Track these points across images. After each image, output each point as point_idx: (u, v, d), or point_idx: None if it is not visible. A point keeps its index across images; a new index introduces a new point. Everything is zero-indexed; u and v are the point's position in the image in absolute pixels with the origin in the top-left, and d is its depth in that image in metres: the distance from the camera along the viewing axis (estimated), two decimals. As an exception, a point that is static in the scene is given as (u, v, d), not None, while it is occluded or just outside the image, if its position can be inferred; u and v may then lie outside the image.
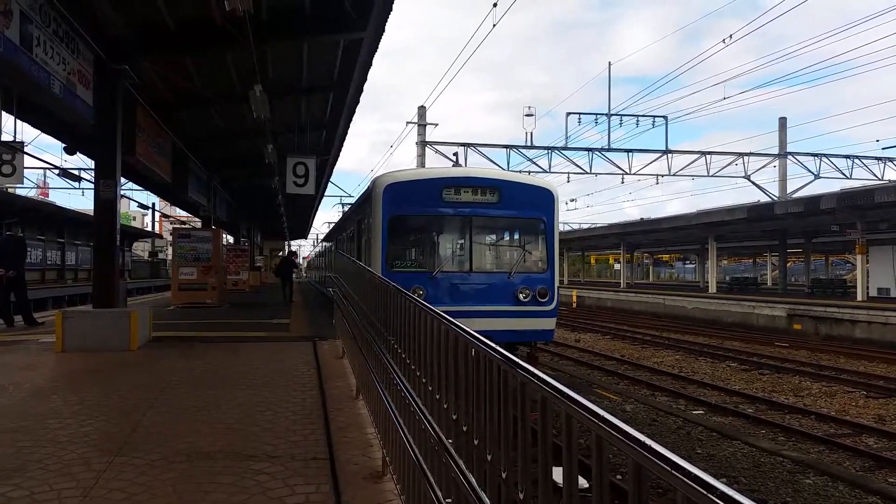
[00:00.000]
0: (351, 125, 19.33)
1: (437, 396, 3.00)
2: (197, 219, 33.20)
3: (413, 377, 3.58)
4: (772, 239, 40.42)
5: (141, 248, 62.85)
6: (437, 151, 33.34)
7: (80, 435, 5.46)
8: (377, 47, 12.35)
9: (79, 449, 5.09)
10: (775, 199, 35.04)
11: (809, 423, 10.95)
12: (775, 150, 36.54)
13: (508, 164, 33.38)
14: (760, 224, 32.33)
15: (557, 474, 1.71)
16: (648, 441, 1.20)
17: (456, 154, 29.72)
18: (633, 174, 35.20)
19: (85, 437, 5.40)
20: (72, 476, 4.50)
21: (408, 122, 33.88)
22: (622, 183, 37.22)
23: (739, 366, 16.57)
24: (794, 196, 34.42)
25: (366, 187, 12.89)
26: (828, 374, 15.23)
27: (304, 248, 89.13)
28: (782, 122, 36.88)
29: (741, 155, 35.78)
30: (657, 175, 36.09)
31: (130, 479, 4.46)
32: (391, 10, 10.63)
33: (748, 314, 26.69)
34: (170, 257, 35.84)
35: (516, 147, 33.86)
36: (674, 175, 35.64)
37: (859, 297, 26.80)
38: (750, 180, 36.35)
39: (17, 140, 13.76)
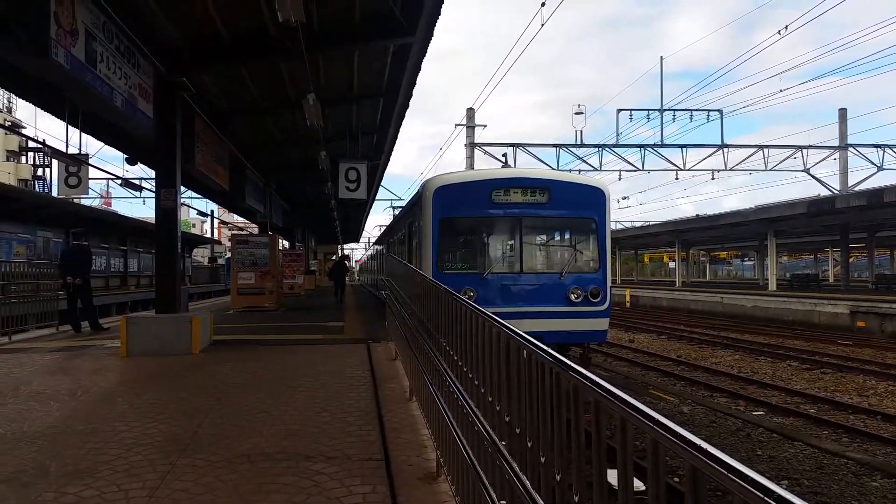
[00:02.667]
0: (400, 129, 19.50)
1: (490, 399, 3.02)
2: (254, 225, 33.95)
3: (465, 379, 3.60)
4: (833, 234, 39.20)
5: (200, 255, 64.49)
6: (485, 153, 33.34)
7: (145, 437, 5.66)
8: (426, 51, 12.44)
9: (144, 451, 5.27)
10: (836, 192, 33.91)
11: (875, 423, 10.57)
12: (835, 142, 35.39)
13: (558, 163, 33.17)
14: (821, 219, 31.38)
15: (612, 477, 1.71)
16: (704, 444, 1.20)
17: (505, 155, 29.62)
18: (688, 170, 34.55)
19: (150, 439, 5.59)
20: (138, 477, 4.66)
21: (456, 125, 34.01)
22: (676, 179, 36.48)
23: (801, 365, 16.09)
24: (855, 189, 33.25)
25: (416, 190, 12.98)
26: (894, 372, 14.66)
27: (356, 252, 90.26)
28: (842, 112, 35.68)
29: (800, 148, 34.74)
30: (712, 170, 35.26)
31: (194, 479, 4.60)
32: (440, 14, 10.70)
33: (809, 312, 25.90)
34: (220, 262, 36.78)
35: (566, 146, 33.60)
36: (730, 170, 34.82)
37: (929, 293, 25.76)
38: (809, 174, 35.27)
39: (82, 153, 14.31)
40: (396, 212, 32.50)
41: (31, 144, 49.15)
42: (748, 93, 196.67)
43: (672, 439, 1.31)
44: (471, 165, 32.53)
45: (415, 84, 14.59)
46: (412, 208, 13.06)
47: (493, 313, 3.09)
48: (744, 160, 34.96)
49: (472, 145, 33.36)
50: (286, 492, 4.36)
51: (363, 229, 61.43)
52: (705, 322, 28.14)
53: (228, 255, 35.69)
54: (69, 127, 12.92)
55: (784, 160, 34.84)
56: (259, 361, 9.94)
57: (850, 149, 35.04)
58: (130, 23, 9.60)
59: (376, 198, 36.17)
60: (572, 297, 10.66)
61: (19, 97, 13.93)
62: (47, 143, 17.59)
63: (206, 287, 44.85)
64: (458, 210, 10.88)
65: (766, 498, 1.02)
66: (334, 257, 51.72)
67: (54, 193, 18.16)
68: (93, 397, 7.40)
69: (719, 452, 1.16)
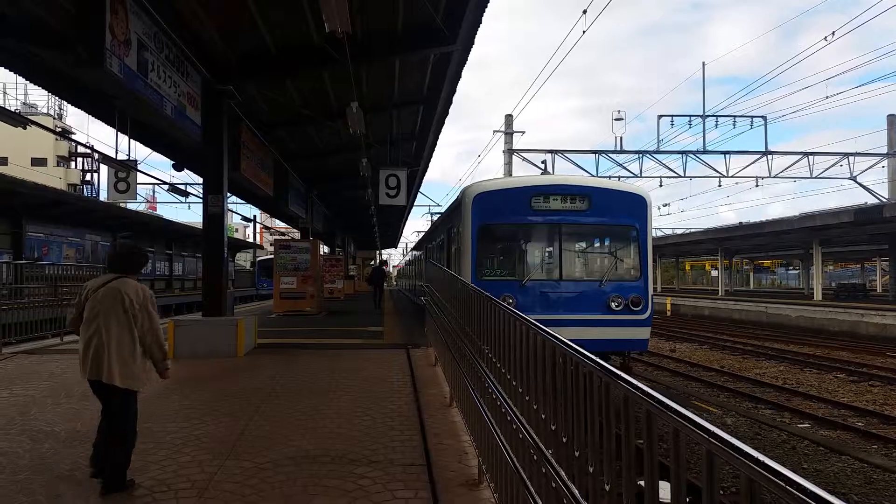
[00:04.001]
0: (440, 136, 19.61)
1: (535, 406, 3.04)
2: (295, 230, 34.40)
3: (509, 386, 3.63)
4: (881, 243, 38.11)
5: (243, 259, 65.53)
6: (524, 159, 33.26)
7: (192, 438, 5.80)
8: (466, 60, 12.51)
9: (192, 451, 5.41)
10: (884, 200, 32.99)
11: (928, 439, 10.26)
12: (884, 150, 34.45)
13: (597, 169, 32.93)
14: (868, 227, 30.53)
15: (664, 490, 1.72)
16: (761, 457, 1.22)
17: (544, 161, 29.64)
18: (731, 177, 33.93)
19: (197, 441, 5.73)
20: (187, 477, 4.79)
21: (495, 131, 34.01)
22: (719, 186, 35.87)
23: (848, 377, 15.69)
24: (906, 197, 32.31)
25: (454, 197, 13.03)
26: (948, 386, 14.20)
27: (394, 257, 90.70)
28: (891, 119, 34.73)
29: (846, 155, 33.90)
30: (756, 177, 34.60)
31: (241, 481, 4.71)
32: (481, 23, 10.77)
33: (856, 323, 25.23)
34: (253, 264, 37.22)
35: (605, 152, 33.34)
36: (774, 177, 34.12)
37: (984, 305, 24.90)
38: (856, 181, 34.38)
39: (131, 159, 14.70)
40: (434, 218, 32.66)
41: (81, 150, 50.62)
42: (793, 99, 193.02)
43: (728, 451, 1.33)
44: (509, 172, 32.49)
45: (455, 91, 14.67)
46: (451, 214, 13.11)
47: (532, 320, 3.12)
48: (788, 167, 34.24)
49: (510, 151, 33.32)
50: (331, 494, 4.44)
51: (401, 235, 61.73)
52: (749, 332, 27.61)
53: (261, 257, 36.18)
54: (118, 133, 13.29)
55: (830, 167, 34.04)
56: (302, 365, 10.09)
57: (900, 156, 34.09)
58: (179, 33, 9.87)
59: (415, 204, 36.35)
60: (613, 305, 10.58)
61: (70, 104, 14.36)
62: (96, 148, 18.13)
63: (249, 291, 45.62)
64: (498, 217, 10.89)
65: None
66: (372, 263, 52.17)
67: (102, 198, 18.70)
68: (141, 399, 7.56)
69: (777, 464, 1.18)
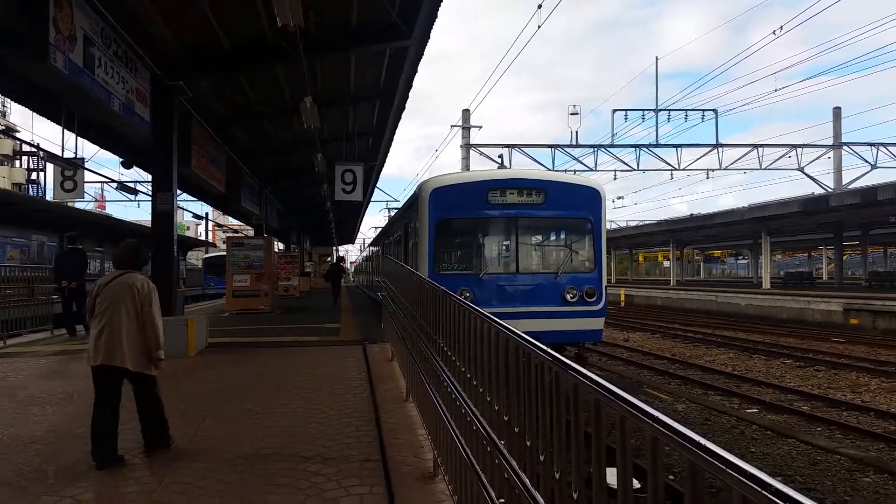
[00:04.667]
0: (396, 131, 19.53)
1: (489, 398, 3.04)
2: (249, 227, 33.90)
3: (463, 379, 3.63)
4: (827, 232, 39.35)
5: (195, 258, 64.34)
6: (481, 154, 33.40)
7: (142, 440, 5.66)
8: (423, 54, 12.48)
9: (142, 453, 5.29)
10: (830, 190, 34.05)
11: (868, 420, 10.63)
12: (830, 141, 35.55)
13: (554, 163, 33.26)
14: (815, 217, 31.51)
15: (611, 475, 1.74)
16: (703, 440, 1.23)
17: (501, 156, 29.68)
18: (682, 169, 34.64)
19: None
20: (136, 480, 4.68)
21: (452, 126, 34.07)
22: (671, 179, 36.63)
23: (794, 363, 16.16)
24: (850, 187, 33.39)
25: (412, 192, 13.00)
26: (887, 369, 14.72)
27: (352, 253, 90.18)
28: (837, 111, 35.86)
29: (794, 147, 34.88)
30: (707, 170, 35.38)
31: (192, 481, 4.62)
32: (436, 17, 10.76)
33: (803, 310, 26.00)
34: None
35: (561, 146, 33.69)
36: (724, 169, 35.00)
37: (922, 291, 25.89)
38: (804, 172, 35.41)
39: (78, 157, 14.29)
40: (392, 213, 32.57)
41: (26, 148, 49.02)
42: (743, 92, 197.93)
43: (671, 436, 1.34)
44: (466, 166, 32.58)
45: (411, 86, 14.63)
46: (408, 209, 13.08)
47: (490, 314, 3.12)
48: (738, 159, 35.11)
49: (467, 146, 33.42)
50: (284, 493, 4.38)
51: (358, 231, 61.47)
52: (700, 321, 28.22)
53: (207, 255, 35.47)
54: (65, 131, 12.90)
55: (778, 159, 35.01)
56: (255, 364, 9.95)
57: (845, 147, 35.22)
58: (128, 28, 9.61)
59: (372, 199, 36.21)
60: (568, 296, 10.69)
61: (16, 102, 13.90)
62: (42, 147, 17.59)
63: (200, 290, 44.78)
64: (455, 211, 10.89)
65: (763, 491, 1.04)
66: (329, 259, 51.78)
67: (49, 197, 18.16)
68: (89, 401, 7.35)
69: (718, 447, 1.19)
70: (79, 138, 13.42)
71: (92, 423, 5.08)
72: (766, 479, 1.06)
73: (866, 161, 34.75)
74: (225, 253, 42.47)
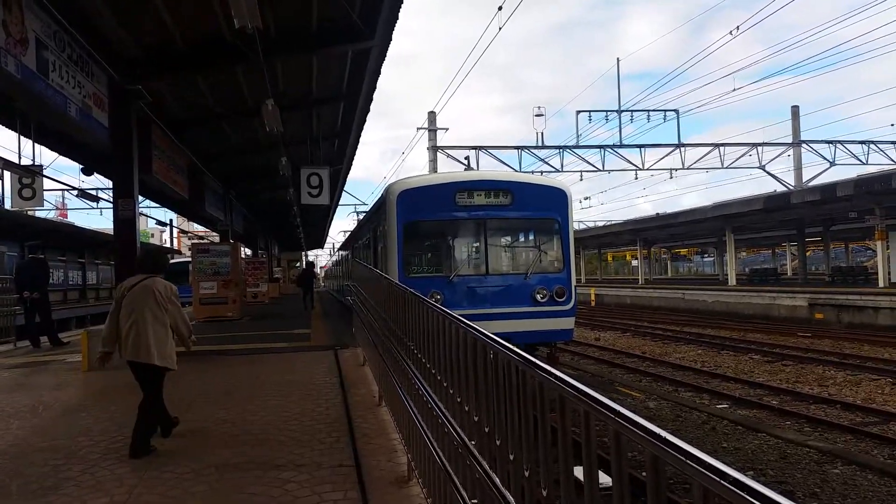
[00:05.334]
0: (362, 133, 19.47)
1: (459, 399, 3.05)
2: (214, 233, 33.50)
3: (434, 382, 3.63)
4: (790, 229, 40.10)
5: (160, 265, 63.22)
6: (448, 156, 33.45)
7: (111, 451, 5.57)
8: (385, 55, 12.46)
9: (110, 465, 5.19)
10: (791, 188, 34.75)
11: (835, 412, 10.86)
12: (789, 139, 36.27)
13: (520, 165, 33.42)
14: (777, 214, 32.10)
15: (580, 472, 1.75)
16: (663, 433, 1.25)
17: (468, 157, 29.83)
18: (647, 169, 35.05)
19: (116, 454, 5.50)
20: (105, 492, 4.59)
21: (418, 128, 34.05)
22: (636, 179, 37.00)
23: (762, 358, 16.45)
24: (810, 184, 34.11)
25: (379, 195, 12.96)
26: (852, 362, 15.08)
27: (321, 258, 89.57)
28: (795, 110, 36.60)
29: (755, 145, 35.52)
30: (671, 169, 35.84)
31: (162, 492, 4.55)
32: (398, 18, 10.76)
33: (769, 305, 26.49)
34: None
35: (527, 148, 33.88)
36: (687, 168, 35.47)
37: (881, 284, 26.54)
38: (765, 170, 36.09)
39: (35, 164, 13.99)
40: (360, 217, 32.44)
41: (-19, 157, 47.75)
42: (703, 92, 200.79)
43: (632, 429, 1.35)
44: (434, 169, 32.58)
45: (375, 88, 14.59)
46: (376, 213, 13.04)
47: (461, 316, 3.12)
48: (700, 158, 35.67)
49: (434, 148, 33.44)
50: (256, 501, 4.34)
51: (327, 235, 61.10)
52: (668, 318, 28.59)
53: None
54: (21, 137, 12.62)
55: (740, 158, 35.60)
56: (224, 372, 9.83)
57: (804, 145, 35.94)
58: (83, 31, 9.45)
59: (339, 203, 36.03)
60: (538, 297, 10.74)
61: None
62: (-1, 154, 17.20)
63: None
64: (423, 214, 10.89)
65: (721, 481, 1.06)
66: (298, 264, 51.42)
67: (7, 206, 17.76)
68: (55, 413, 7.25)
69: (678, 440, 1.21)
70: (36, 145, 13.14)
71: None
72: (724, 469, 1.08)
73: (825, 158, 35.52)
74: (181, 259, 41.83)
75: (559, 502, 1.86)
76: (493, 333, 2.60)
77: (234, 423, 6.53)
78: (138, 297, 5.76)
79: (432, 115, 33.90)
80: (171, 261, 35.90)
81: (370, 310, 7.68)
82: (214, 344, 13.42)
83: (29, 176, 13.99)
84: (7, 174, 16.33)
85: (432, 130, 33.57)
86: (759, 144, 35.61)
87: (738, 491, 1.02)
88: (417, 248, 11.52)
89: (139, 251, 5.90)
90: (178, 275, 35.95)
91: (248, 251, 38.11)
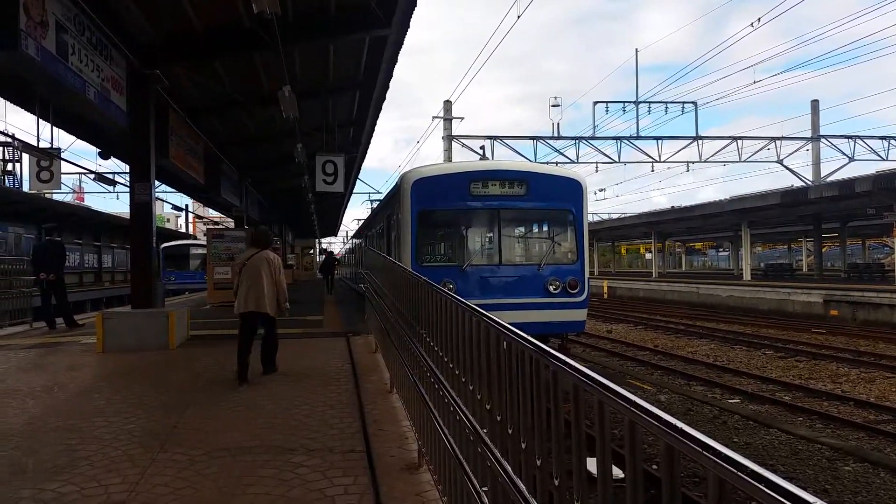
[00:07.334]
0: (377, 122, 19.44)
1: (471, 388, 3.05)
2: (230, 219, 33.65)
3: (446, 369, 3.63)
4: (806, 224, 39.71)
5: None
6: (463, 145, 33.34)
7: (124, 432, 5.62)
8: (402, 43, 12.40)
9: (123, 446, 5.24)
10: (809, 183, 34.38)
11: (848, 409, 10.79)
12: (808, 134, 35.85)
13: (535, 155, 33.26)
14: (794, 209, 31.79)
15: (592, 464, 1.74)
16: (679, 424, 1.23)
17: (482, 147, 29.77)
18: (663, 162, 34.79)
19: (129, 435, 5.55)
20: (118, 472, 4.63)
21: (434, 117, 33.93)
22: (652, 171, 36.70)
23: (775, 353, 16.35)
24: (828, 180, 33.71)
25: (394, 183, 12.96)
26: (866, 359, 14.95)
27: (334, 246, 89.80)
28: (814, 104, 36.15)
29: (773, 139, 35.10)
30: (687, 162, 35.60)
31: (174, 474, 4.59)
32: (416, 5, 10.68)
33: (784, 301, 26.29)
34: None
35: (543, 138, 33.70)
36: (704, 161, 35.11)
37: (899, 281, 26.25)
38: (783, 165, 35.67)
39: (53, 147, 14.10)
40: (374, 205, 32.49)
41: (0, 139, 48.18)
42: (722, 85, 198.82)
43: (648, 419, 1.34)
44: (448, 158, 32.51)
45: (391, 76, 14.54)
46: (391, 201, 13.04)
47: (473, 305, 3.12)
48: (718, 152, 35.29)
49: (449, 138, 33.34)
50: (267, 484, 4.37)
51: (341, 223, 61.19)
52: (681, 312, 28.46)
53: (166, 244, 34.76)
54: (40, 120, 12.71)
55: (758, 151, 35.20)
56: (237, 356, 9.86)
57: (823, 140, 35.52)
58: (102, 15, 9.47)
59: (353, 191, 36.05)
60: (551, 288, 10.72)
61: (-13, 91, 13.67)
62: (17, 137, 17.35)
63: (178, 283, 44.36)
64: (437, 202, 10.87)
65: (738, 472, 1.05)
66: (311, 251, 51.68)
67: (25, 188, 17.90)
68: (69, 394, 7.33)
69: (694, 431, 1.20)
70: (54, 128, 13.22)
71: (238, 355, 7.67)
72: (742, 461, 1.06)
73: (844, 154, 35.09)
74: (187, 242, 41.77)
75: (571, 493, 1.86)
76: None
77: (247, 406, 6.57)
78: (256, 266, 7.68)
79: (447, 105, 33.79)
80: (166, 244, 35.87)
81: (383, 297, 7.70)
82: (228, 328, 13.49)
83: (47, 159, 14.10)
84: (26, 157, 16.48)
85: (447, 119, 33.45)
86: (778, 138, 35.20)
87: (758, 484, 1.01)
88: (431, 237, 11.53)
89: (253, 231, 9.12)
90: (178, 259, 35.84)
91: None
